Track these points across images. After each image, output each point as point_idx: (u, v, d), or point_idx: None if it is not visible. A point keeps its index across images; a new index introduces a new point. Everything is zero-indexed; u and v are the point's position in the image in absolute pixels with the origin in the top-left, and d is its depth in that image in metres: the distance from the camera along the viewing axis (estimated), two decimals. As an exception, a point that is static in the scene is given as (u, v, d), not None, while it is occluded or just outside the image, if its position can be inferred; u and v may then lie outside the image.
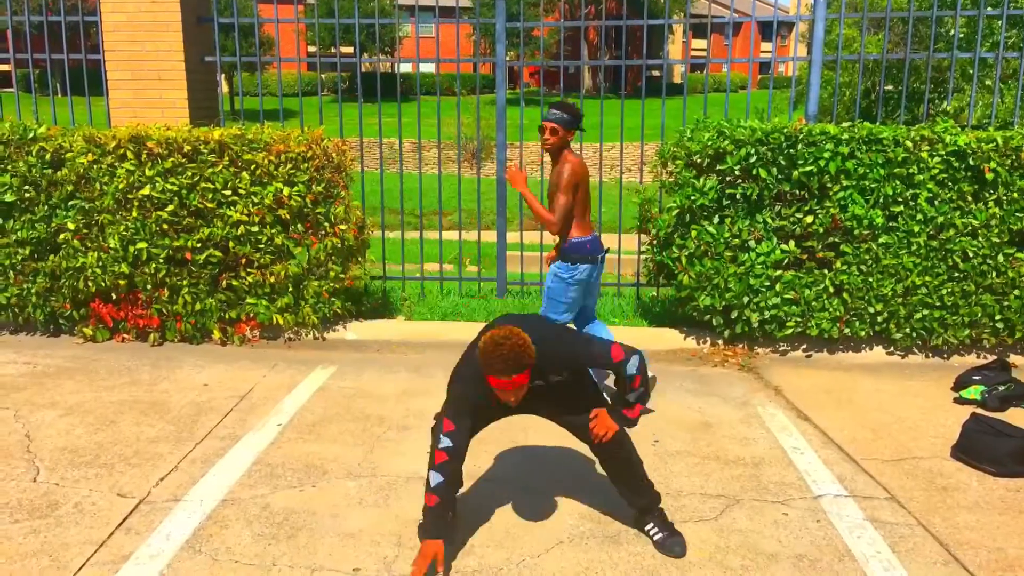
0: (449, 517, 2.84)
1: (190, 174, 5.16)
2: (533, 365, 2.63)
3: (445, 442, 2.79)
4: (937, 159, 4.93)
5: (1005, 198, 4.91)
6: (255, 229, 5.18)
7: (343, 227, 5.32)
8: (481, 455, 3.77)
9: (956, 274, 5.00)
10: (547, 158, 16.11)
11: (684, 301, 5.34)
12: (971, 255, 4.96)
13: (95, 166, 5.20)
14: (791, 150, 4.93)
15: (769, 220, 5.04)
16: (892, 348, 5.24)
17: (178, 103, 6.03)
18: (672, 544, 3.00)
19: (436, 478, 2.78)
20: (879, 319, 5.08)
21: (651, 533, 3.05)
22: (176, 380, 4.73)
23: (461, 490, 3.39)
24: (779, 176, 4.97)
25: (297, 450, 3.81)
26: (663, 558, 2.95)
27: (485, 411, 2.92)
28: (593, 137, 15.14)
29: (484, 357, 2.59)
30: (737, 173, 5.03)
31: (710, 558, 2.96)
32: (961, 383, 4.66)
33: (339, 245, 5.30)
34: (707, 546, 3.04)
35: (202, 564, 2.87)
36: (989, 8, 11.25)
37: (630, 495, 3.10)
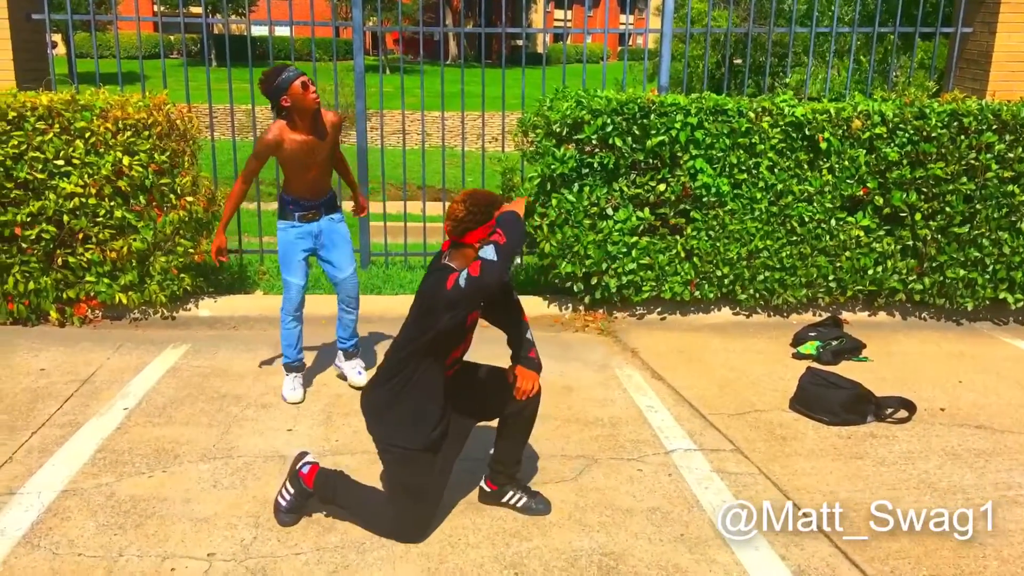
0: None
1: (16, 143, 4.74)
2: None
3: None
4: (777, 130, 5.21)
5: (837, 166, 5.26)
6: (92, 202, 4.83)
7: (191, 199, 5.05)
8: (334, 423, 3.72)
9: (794, 238, 5.33)
10: (409, 126, 15.71)
11: (547, 269, 5.43)
12: (807, 220, 5.29)
13: (-98, 133, 4.69)
14: (644, 120, 5.08)
15: (625, 188, 5.19)
16: (738, 308, 5.54)
17: (2, 65, 5.52)
18: (537, 504, 3.09)
19: None
20: (726, 281, 5.36)
21: (513, 501, 3.10)
22: (10, 366, 4.38)
23: (321, 464, 3.35)
24: (634, 145, 5.11)
25: (146, 434, 3.62)
26: (524, 520, 3.03)
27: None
28: (455, 106, 15.02)
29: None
30: (595, 142, 5.13)
31: (569, 516, 3.06)
32: (798, 339, 5.00)
33: (187, 218, 5.04)
34: (567, 505, 3.14)
35: (41, 559, 2.70)
36: (826, -13, 11.95)
37: (515, 455, 3.11)
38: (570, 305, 5.50)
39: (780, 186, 5.23)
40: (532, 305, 5.52)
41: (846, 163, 5.25)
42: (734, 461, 3.55)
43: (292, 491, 2.96)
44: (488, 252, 2.60)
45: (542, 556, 2.81)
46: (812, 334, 4.99)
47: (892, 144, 5.21)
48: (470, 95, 6.38)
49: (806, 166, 5.28)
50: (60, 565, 2.67)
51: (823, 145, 5.20)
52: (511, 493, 3.12)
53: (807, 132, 5.21)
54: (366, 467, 3.37)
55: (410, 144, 18.70)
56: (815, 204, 5.29)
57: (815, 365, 4.54)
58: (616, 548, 2.88)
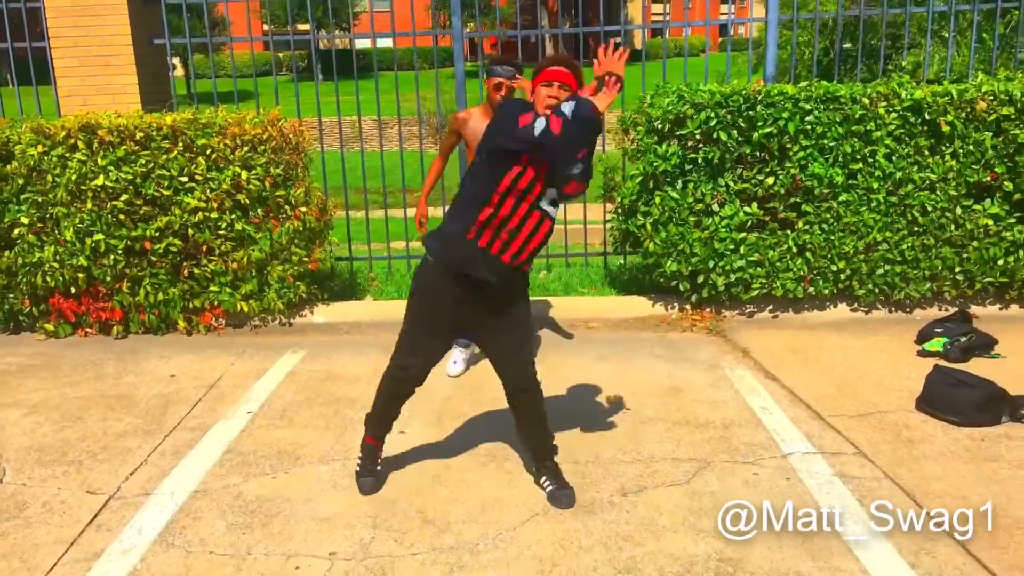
0: None
1: (144, 162, 5.05)
2: (579, 76, 2.89)
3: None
4: (894, 115, 4.96)
5: (961, 151, 4.97)
6: (214, 215, 5.09)
7: (304, 209, 5.24)
8: (447, 427, 3.77)
9: (916, 228, 5.06)
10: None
11: (651, 268, 5.35)
12: (930, 209, 5.02)
13: (45, 158, 5.07)
14: (750, 112, 4.94)
15: (731, 183, 5.05)
16: (856, 305, 5.31)
17: (128, 88, 5.88)
18: (559, 497, 3.12)
19: None
20: (842, 276, 5.14)
21: (544, 485, 3.19)
22: (142, 372, 4.66)
23: (433, 466, 3.41)
24: (739, 139, 4.98)
25: (268, 437, 3.78)
26: (638, 524, 2.99)
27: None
28: (556, 106, 14.90)
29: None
30: (698, 137, 5.02)
31: (683, 521, 3.00)
32: (924, 336, 4.75)
33: (301, 228, 5.23)
34: (680, 510, 3.08)
35: (176, 557, 2.85)
36: (942, -39, 11.30)
37: (532, 442, 3.25)
38: (676, 304, 5.40)
39: (899, 174, 4.98)
40: (637, 306, 5.47)
41: (971, 147, 4.95)
42: (857, 464, 3.40)
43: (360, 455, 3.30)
44: (566, 108, 2.71)
45: (656, 561, 2.77)
46: (939, 330, 4.72)
47: (1021, 125, 4.87)
48: (570, 95, 6.36)
49: (927, 152, 5.01)
50: (193, 563, 2.82)
51: (945, 129, 4.92)
52: (543, 479, 3.21)
53: (927, 116, 4.94)
54: (477, 469, 3.41)
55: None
56: (938, 192, 5.00)
57: (943, 363, 4.30)
58: (733, 554, 2.80)
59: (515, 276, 3.00)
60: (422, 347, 3.09)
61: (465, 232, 2.85)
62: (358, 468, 3.31)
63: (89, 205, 5.04)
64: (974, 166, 4.97)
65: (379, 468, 3.32)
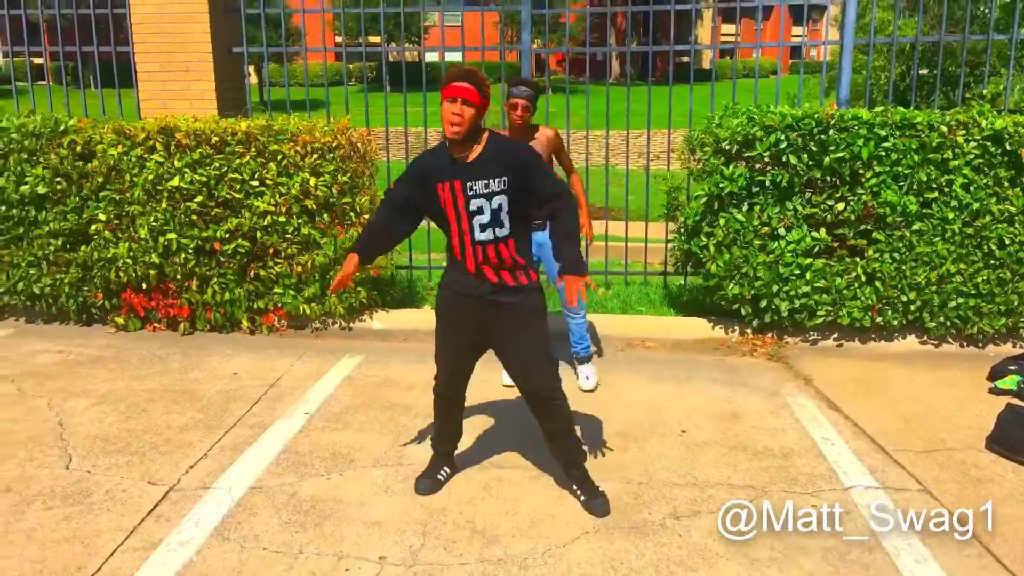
0: (369, 243, 3.22)
1: (218, 165, 5.20)
2: (482, 89, 2.86)
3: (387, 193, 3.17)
4: (973, 144, 4.81)
5: (1043, 183, 4.79)
6: (282, 219, 5.21)
7: (368, 217, 5.32)
8: (496, 442, 3.76)
9: (992, 262, 4.88)
10: (572, 145, 15.92)
11: (712, 290, 5.28)
12: (1007, 242, 4.84)
13: (125, 158, 5.26)
14: (822, 136, 4.84)
15: (799, 207, 4.96)
16: (925, 337, 5.14)
17: (206, 94, 6.07)
18: (593, 504, 3.16)
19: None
20: (912, 308, 4.98)
21: (577, 495, 3.24)
22: (206, 369, 4.78)
23: (484, 477, 3.41)
24: (810, 162, 4.88)
25: (324, 439, 3.83)
26: (691, 549, 2.93)
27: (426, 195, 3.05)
28: (620, 124, 14.95)
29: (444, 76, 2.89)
30: (766, 160, 4.95)
31: (738, 550, 2.94)
32: (996, 373, 4.56)
33: (365, 235, 5.31)
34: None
35: (231, 551, 2.90)
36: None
37: (559, 456, 3.30)
38: (737, 328, 5.31)
39: (976, 205, 4.82)
40: (696, 327, 5.39)
41: (1054, 180, 4.76)
42: (921, 502, 3.28)
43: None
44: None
45: (708, 588, 2.71)
46: (1012, 368, 4.53)
47: (1108, 158, 4.67)
48: (635, 113, 6.34)
49: (1006, 183, 4.84)
50: (247, 558, 2.86)
51: (1027, 160, 4.74)
52: (575, 487, 3.26)
53: (1008, 147, 4.77)
54: (529, 482, 3.40)
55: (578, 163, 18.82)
56: (1017, 225, 4.83)
57: (1016, 402, 4.12)
58: (788, 586, 2.72)
59: (520, 293, 3.06)
60: (449, 360, 3.25)
61: (453, 257, 3.09)
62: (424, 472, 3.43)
63: (164, 205, 5.21)
64: (1057, 199, 4.78)
65: (440, 477, 3.39)
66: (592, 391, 4.47)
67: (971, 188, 4.84)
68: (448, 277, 3.17)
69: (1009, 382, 4.43)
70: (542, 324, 3.15)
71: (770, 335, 5.23)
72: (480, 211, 2.92)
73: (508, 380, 4.46)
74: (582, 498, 3.22)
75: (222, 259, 5.28)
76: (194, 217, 5.22)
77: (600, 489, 3.24)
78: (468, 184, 2.90)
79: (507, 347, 3.14)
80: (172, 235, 5.20)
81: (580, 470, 3.27)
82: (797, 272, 4.95)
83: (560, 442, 3.25)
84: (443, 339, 3.22)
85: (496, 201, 2.91)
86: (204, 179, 5.19)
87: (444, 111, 2.84)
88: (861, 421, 4.06)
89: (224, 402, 4.27)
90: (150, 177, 5.20)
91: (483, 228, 2.94)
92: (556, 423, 3.20)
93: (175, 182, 5.17)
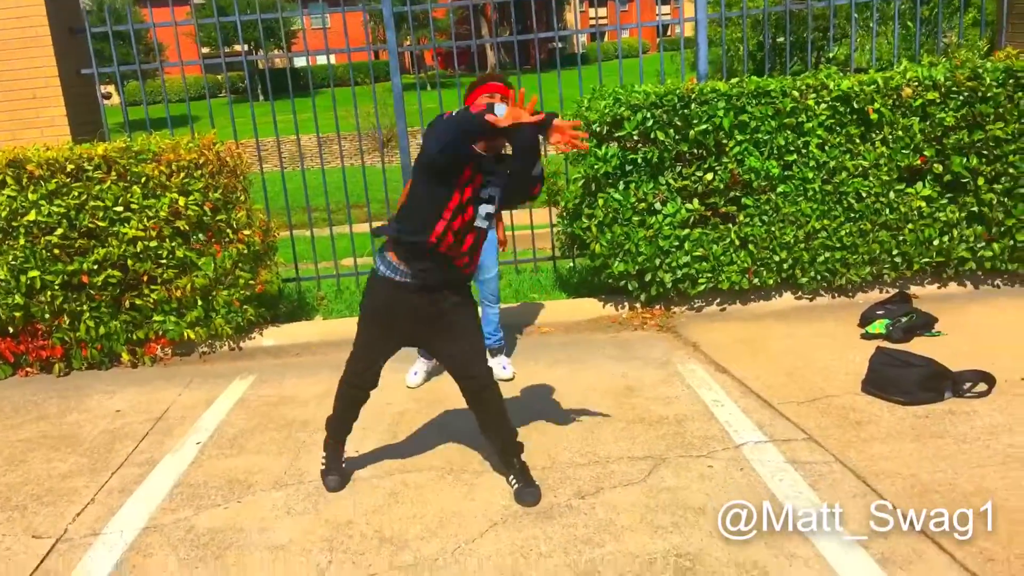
0: None
1: (76, 193, 4.92)
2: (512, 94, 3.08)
3: None
4: (824, 106, 5.07)
5: (890, 137, 5.10)
6: (153, 244, 4.98)
7: (247, 232, 5.16)
8: (400, 446, 3.74)
9: (852, 215, 5.18)
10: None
11: (599, 269, 5.39)
12: (864, 195, 5.14)
13: (-28, 196, 4.91)
14: (685, 110, 5.01)
15: (672, 181, 5.11)
16: (800, 293, 5.41)
17: (57, 120, 5.75)
18: (523, 495, 3.19)
19: None
20: (785, 266, 5.23)
21: (512, 483, 3.27)
22: (86, 410, 4.54)
23: (390, 483, 3.38)
24: (677, 137, 5.04)
25: (219, 466, 3.71)
26: (596, 526, 2.99)
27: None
28: (500, 114, 15.00)
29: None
30: (636, 138, 5.08)
31: (641, 519, 3.02)
32: (866, 319, 4.85)
33: (245, 251, 5.15)
34: (638, 508, 3.09)
35: (127, 597, 2.78)
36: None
37: (493, 443, 3.35)
38: (626, 304, 5.44)
39: (832, 163, 5.10)
40: (588, 308, 5.49)
41: (900, 133, 5.09)
42: (807, 450, 3.45)
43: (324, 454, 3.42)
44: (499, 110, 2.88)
45: (616, 562, 2.78)
46: (880, 312, 4.83)
47: (946, 109, 5.03)
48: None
49: (858, 140, 5.13)
50: (146, 600, 2.74)
51: (874, 117, 5.05)
52: (511, 477, 3.28)
53: (856, 105, 5.06)
54: (435, 482, 3.39)
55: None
56: (871, 178, 5.13)
57: (886, 344, 4.39)
58: (691, 548, 2.82)
59: (467, 286, 3.22)
60: (374, 358, 3.26)
61: (426, 245, 2.98)
62: (323, 467, 3.43)
63: (22, 241, 4.90)
64: (904, 151, 5.10)
65: (344, 466, 3.41)
66: (511, 379, 4.50)
67: (826, 147, 5.11)
68: (403, 272, 3.04)
69: (879, 326, 4.72)
70: (477, 314, 3.29)
71: (658, 307, 5.39)
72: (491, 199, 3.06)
73: (412, 382, 4.45)
74: (515, 486, 3.23)
75: (92, 292, 5.01)
76: (56, 251, 4.93)
77: (534, 480, 3.25)
78: (487, 175, 3.04)
79: (453, 340, 3.16)
80: (35, 272, 4.89)
81: (519, 458, 3.29)
82: (676, 244, 5.11)
83: (497, 430, 3.28)
84: (372, 336, 3.21)
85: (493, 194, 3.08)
86: (63, 210, 4.91)
87: (480, 103, 3.13)
88: (748, 380, 4.24)
89: (108, 442, 4.06)
90: (3, 213, 4.88)
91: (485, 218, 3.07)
92: (492, 410, 3.24)
93: (31, 216, 4.86)
